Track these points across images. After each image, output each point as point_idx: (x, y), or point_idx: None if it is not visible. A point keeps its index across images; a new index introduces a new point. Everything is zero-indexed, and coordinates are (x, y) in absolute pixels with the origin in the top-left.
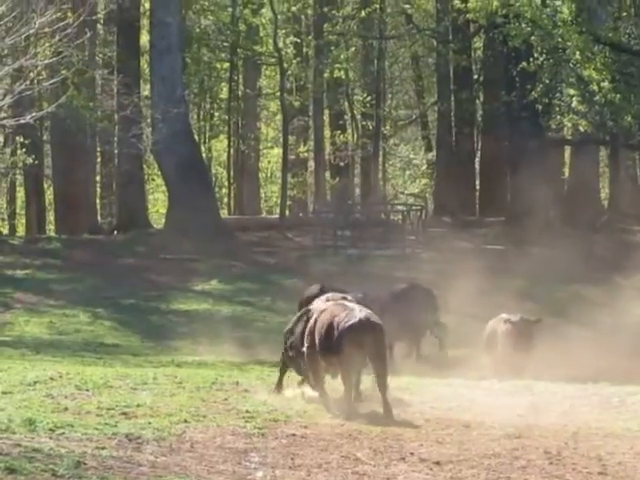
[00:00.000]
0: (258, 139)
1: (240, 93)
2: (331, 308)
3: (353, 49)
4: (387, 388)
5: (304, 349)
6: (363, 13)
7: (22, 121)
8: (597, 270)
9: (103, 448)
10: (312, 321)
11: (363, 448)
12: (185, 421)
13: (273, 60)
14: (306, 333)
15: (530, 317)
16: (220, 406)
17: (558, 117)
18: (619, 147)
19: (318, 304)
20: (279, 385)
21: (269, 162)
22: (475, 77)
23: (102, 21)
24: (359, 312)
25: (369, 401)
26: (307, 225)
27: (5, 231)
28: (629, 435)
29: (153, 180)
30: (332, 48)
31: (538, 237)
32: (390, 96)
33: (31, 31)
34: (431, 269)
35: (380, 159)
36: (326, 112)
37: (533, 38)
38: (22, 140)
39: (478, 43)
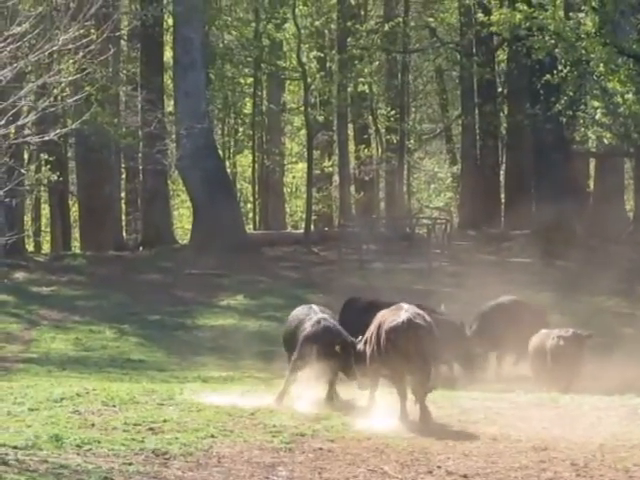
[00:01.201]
0: (282, 154)
1: (264, 108)
2: (383, 312)
3: (377, 63)
4: (425, 394)
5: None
6: (387, 27)
7: (46, 138)
8: (622, 282)
9: (130, 464)
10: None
11: (390, 462)
12: (212, 436)
13: (297, 75)
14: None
15: (582, 332)
16: (247, 421)
17: (582, 129)
18: None
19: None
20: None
21: (294, 177)
22: (499, 90)
23: (126, 37)
24: (404, 313)
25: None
26: (332, 240)
27: (31, 248)
28: None
29: (178, 196)
30: (356, 62)
31: (563, 250)
32: (414, 110)
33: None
34: (457, 283)
35: (405, 173)
36: (350, 126)
37: (557, 50)
38: (46, 157)
39: (502, 56)
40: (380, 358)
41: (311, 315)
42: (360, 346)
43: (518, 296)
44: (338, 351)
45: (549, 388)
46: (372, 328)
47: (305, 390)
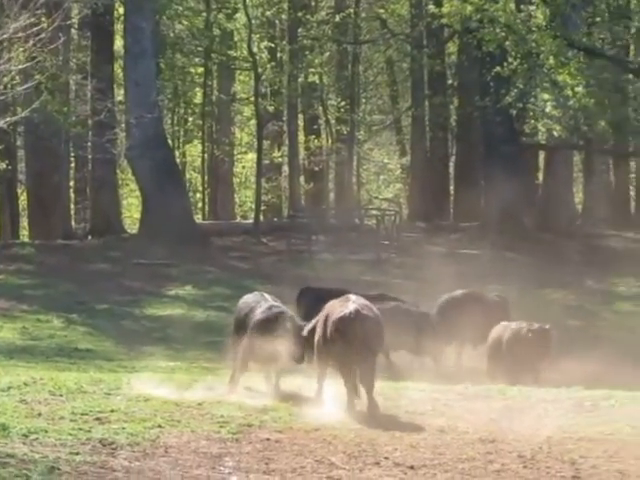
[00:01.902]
0: (232, 144)
1: (214, 98)
2: (333, 302)
3: (327, 54)
4: (373, 385)
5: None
6: (337, 18)
7: None
8: (569, 274)
9: (77, 453)
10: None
11: (337, 452)
12: (159, 426)
13: (247, 65)
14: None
15: (545, 325)
16: (194, 411)
17: (532, 122)
18: (593, 152)
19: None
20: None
21: (243, 167)
22: (449, 82)
23: (76, 26)
24: (352, 304)
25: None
26: (281, 230)
27: None
28: (602, 439)
29: (127, 185)
30: (306, 53)
31: (512, 242)
32: (364, 101)
33: (5, 36)
34: (405, 274)
35: (354, 164)
36: (300, 117)
37: (507, 43)
38: None
39: (452, 48)
40: (327, 348)
41: (262, 302)
42: (304, 334)
43: (471, 288)
44: (289, 338)
45: (506, 381)
46: (320, 318)
47: (253, 379)
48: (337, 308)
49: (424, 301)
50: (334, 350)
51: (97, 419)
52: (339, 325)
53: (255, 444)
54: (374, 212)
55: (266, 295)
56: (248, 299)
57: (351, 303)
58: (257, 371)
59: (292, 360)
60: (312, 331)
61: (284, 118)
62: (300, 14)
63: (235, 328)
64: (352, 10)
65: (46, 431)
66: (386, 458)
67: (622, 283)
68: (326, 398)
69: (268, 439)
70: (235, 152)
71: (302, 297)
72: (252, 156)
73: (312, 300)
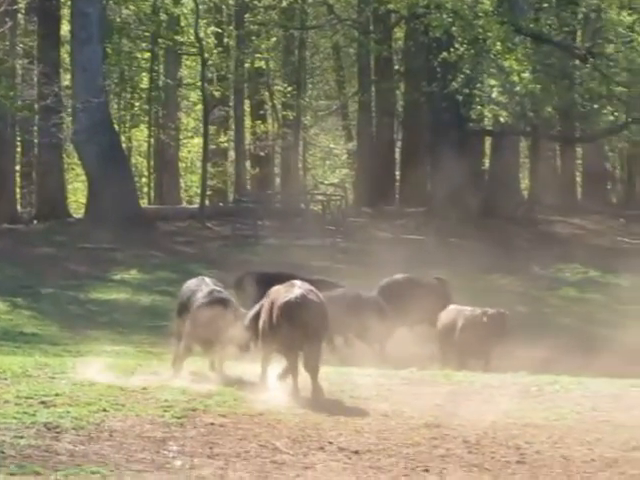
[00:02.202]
0: (178, 129)
1: (161, 83)
2: (278, 287)
3: (274, 39)
4: (318, 370)
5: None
6: (284, 3)
7: None
8: (516, 260)
9: (21, 437)
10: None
11: (282, 437)
12: (104, 410)
13: (194, 50)
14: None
15: (500, 309)
16: (139, 395)
17: (479, 108)
18: (539, 138)
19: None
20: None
21: (189, 152)
22: (396, 67)
23: (23, 11)
24: (298, 289)
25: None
26: (227, 215)
27: None
28: (547, 424)
29: (73, 169)
30: (253, 38)
31: (458, 227)
32: (311, 86)
33: None
34: (351, 259)
35: (300, 149)
36: (247, 102)
37: (454, 29)
38: None
39: (399, 33)
40: (272, 333)
41: (202, 287)
42: (247, 319)
43: (413, 273)
44: (231, 322)
45: (457, 365)
46: (264, 303)
47: (197, 363)
48: (282, 293)
49: (367, 286)
50: (279, 335)
51: (42, 403)
52: (285, 310)
53: (199, 428)
54: (320, 197)
55: (207, 280)
56: (190, 284)
57: (297, 288)
58: (201, 356)
59: (235, 346)
60: (255, 316)
61: (230, 103)
62: None
63: (177, 313)
64: None
65: None
66: (330, 443)
67: (568, 269)
68: (270, 383)
69: (212, 423)
70: (181, 137)
71: (242, 281)
72: (198, 141)
73: (252, 284)
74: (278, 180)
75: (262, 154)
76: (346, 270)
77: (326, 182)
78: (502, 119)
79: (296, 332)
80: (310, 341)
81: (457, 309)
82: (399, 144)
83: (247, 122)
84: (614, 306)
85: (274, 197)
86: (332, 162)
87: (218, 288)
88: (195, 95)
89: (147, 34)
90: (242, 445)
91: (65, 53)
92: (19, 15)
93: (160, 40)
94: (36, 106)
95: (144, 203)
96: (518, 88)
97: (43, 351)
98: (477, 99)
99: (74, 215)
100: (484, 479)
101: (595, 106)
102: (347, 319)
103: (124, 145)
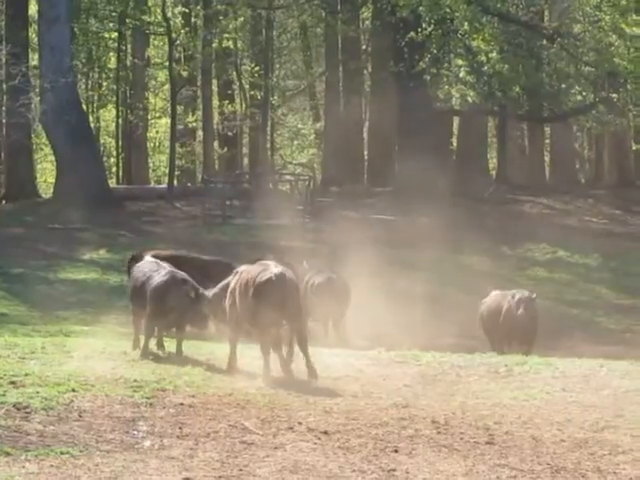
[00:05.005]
0: (146, 109)
1: (128, 63)
2: (250, 267)
3: (242, 19)
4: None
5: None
6: None
7: None
8: (484, 240)
9: None
10: (235, 279)
11: (251, 417)
12: (73, 390)
13: (161, 30)
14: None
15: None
16: (108, 375)
17: (446, 87)
18: (507, 118)
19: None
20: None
21: (157, 132)
22: (363, 47)
23: None
24: (275, 267)
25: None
26: (195, 195)
27: None
28: (516, 404)
29: (41, 149)
30: (221, 18)
31: (426, 207)
32: (278, 66)
33: None
34: (319, 239)
35: (268, 129)
36: (214, 82)
37: (421, 8)
38: None
39: (366, 13)
40: (247, 312)
41: (159, 269)
42: (208, 299)
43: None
44: (190, 301)
45: (503, 348)
46: (232, 283)
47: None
48: (257, 272)
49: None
50: (256, 314)
51: (11, 383)
52: (262, 288)
53: (169, 408)
54: (288, 177)
55: (162, 263)
56: (144, 267)
57: (273, 267)
58: (168, 336)
59: (197, 326)
60: (218, 295)
61: (198, 83)
62: None
63: (135, 295)
64: None
65: None
66: (300, 423)
67: (536, 249)
68: (239, 363)
69: (182, 404)
70: (149, 117)
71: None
72: (166, 121)
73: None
74: (246, 160)
75: (230, 134)
76: (313, 250)
77: (294, 162)
78: (470, 99)
79: (277, 310)
80: (295, 317)
81: (502, 294)
82: (367, 124)
83: (215, 102)
84: (582, 286)
85: (242, 177)
86: (300, 142)
87: (174, 269)
88: (163, 75)
89: (115, 14)
90: (211, 425)
91: (33, 33)
92: None
93: (128, 20)
94: (4, 86)
95: (112, 183)
96: (486, 68)
97: (12, 331)
98: (445, 79)
99: (43, 195)
100: (454, 459)
101: (563, 86)
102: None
103: (92, 125)
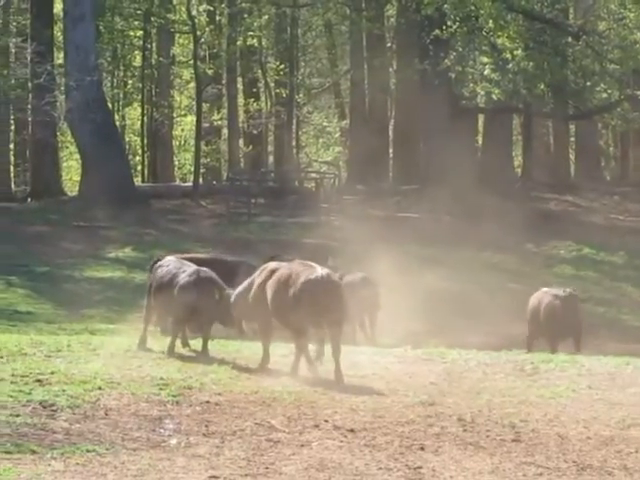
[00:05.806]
0: (172, 107)
1: (153, 61)
2: (289, 265)
3: (266, 17)
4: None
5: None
6: None
7: None
8: (509, 237)
9: (17, 415)
10: (263, 276)
11: (277, 415)
12: (99, 388)
13: (186, 28)
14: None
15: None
16: (134, 373)
17: (471, 85)
18: (532, 115)
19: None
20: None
21: (182, 130)
22: (388, 45)
23: None
24: (320, 269)
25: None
26: (221, 193)
27: None
28: (542, 402)
29: (67, 148)
30: (245, 16)
31: (451, 205)
32: (303, 64)
33: None
34: (344, 237)
35: (294, 127)
36: (240, 80)
37: (446, 6)
38: None
39: (391, 11)
40: (284, 311)
41: (185, 268)
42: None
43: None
44: (217, 300)
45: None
46: (261, 279)
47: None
48: (301, 271)
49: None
50: (297, 313)
51: (37, 381)
52: (308, 287)
53: (195, 407)
54: (313, 175)
55: (186, 262)
56: (170, 265)
57: (318, 267)
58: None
59: (223, 325)
60: (241, 295)
61: (223, 81)
62: None
63: (160, 292)
64: None
65: None
66: (326, 421)
67: (562, 246)
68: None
69: (208, 402)
70: (174, 115)
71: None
72: (191, 119)
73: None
74: (271, 158)
75: (255, 132)
76: (339, 248)
77: (319, 160)
78: (495, 96)
79: (320, 314)
80: (337, 325)
81: (545, 291)
82: (392, 122)
83: (240, 100)
84: (608, 284)
85: (267, 175)
86: (325, 140)
87: (202, 268)
88: (188, 73)
89: (140, 12)
90: (237, 423)
91: (58, 31)
92: None
93: (153, 18)
94: (29, 84)
95: (138, 181)
96: (511, 65)
97: (38, 329)
98: (470, 77)
99: (68, 193)
100: (480, 457)
101: (588, 83)
102: None
103: (117, 123)
